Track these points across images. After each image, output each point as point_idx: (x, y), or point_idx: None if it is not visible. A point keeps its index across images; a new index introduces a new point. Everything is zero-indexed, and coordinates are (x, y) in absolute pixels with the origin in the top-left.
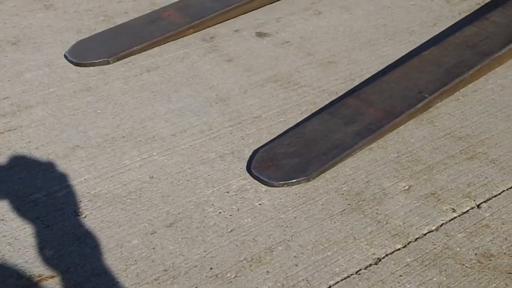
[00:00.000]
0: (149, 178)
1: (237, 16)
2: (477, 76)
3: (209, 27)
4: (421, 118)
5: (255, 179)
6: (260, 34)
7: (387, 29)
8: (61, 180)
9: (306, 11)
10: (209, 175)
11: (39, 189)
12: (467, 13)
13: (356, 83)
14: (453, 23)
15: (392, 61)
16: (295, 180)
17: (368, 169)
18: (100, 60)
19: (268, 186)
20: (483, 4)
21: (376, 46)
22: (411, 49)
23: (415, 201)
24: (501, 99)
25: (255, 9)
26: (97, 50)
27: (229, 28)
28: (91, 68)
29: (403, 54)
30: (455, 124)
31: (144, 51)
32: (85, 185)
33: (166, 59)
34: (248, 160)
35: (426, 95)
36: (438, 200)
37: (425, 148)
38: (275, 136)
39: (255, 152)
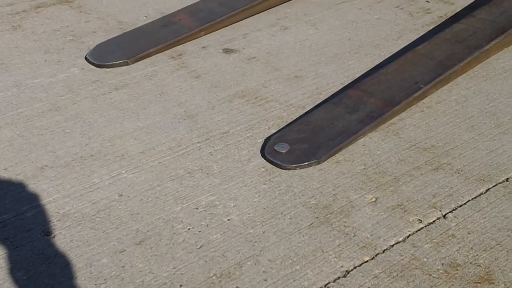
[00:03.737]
0: (118, 196)
1: (245, 18)
2: (467, 68)
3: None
4: (386, 130)
5: (269, 163)
6: (227, 50)
7: (352, 43)
8: (30, 200)
9: (272, 26)
10: (178, 191)
11: (7, 210)
12: (430, 27)
13: (323, 97)
14: (417, 36)
15: (358, 74)
16: (306, 163)
17: (335, 182)
18: (120, 61)
19: (282, 169)
20: (445, 18)
21: (342, 60)
22: (376, 63)
23: (382, 213)
24: (465, 110)
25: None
26: (116, 53)
27: (196, 45)
28: (59, 87)
29: (368, 68)
30: (420, 136)
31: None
32: (54, 204)
33: (134, 77)
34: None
35: (422, 86)
36: (405, 211)
37: (391, 159)
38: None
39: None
